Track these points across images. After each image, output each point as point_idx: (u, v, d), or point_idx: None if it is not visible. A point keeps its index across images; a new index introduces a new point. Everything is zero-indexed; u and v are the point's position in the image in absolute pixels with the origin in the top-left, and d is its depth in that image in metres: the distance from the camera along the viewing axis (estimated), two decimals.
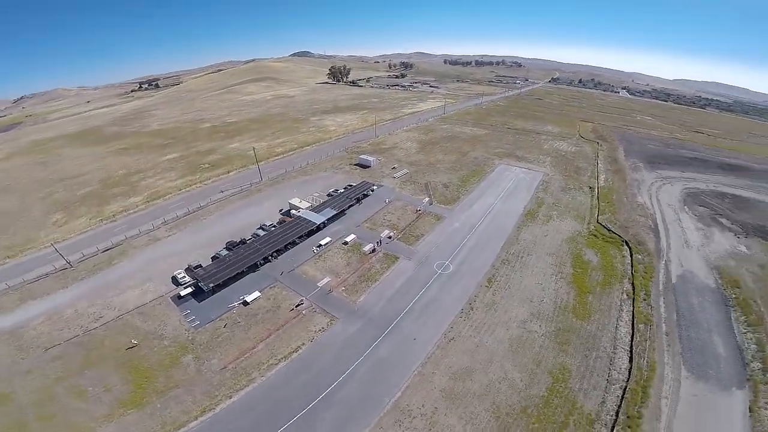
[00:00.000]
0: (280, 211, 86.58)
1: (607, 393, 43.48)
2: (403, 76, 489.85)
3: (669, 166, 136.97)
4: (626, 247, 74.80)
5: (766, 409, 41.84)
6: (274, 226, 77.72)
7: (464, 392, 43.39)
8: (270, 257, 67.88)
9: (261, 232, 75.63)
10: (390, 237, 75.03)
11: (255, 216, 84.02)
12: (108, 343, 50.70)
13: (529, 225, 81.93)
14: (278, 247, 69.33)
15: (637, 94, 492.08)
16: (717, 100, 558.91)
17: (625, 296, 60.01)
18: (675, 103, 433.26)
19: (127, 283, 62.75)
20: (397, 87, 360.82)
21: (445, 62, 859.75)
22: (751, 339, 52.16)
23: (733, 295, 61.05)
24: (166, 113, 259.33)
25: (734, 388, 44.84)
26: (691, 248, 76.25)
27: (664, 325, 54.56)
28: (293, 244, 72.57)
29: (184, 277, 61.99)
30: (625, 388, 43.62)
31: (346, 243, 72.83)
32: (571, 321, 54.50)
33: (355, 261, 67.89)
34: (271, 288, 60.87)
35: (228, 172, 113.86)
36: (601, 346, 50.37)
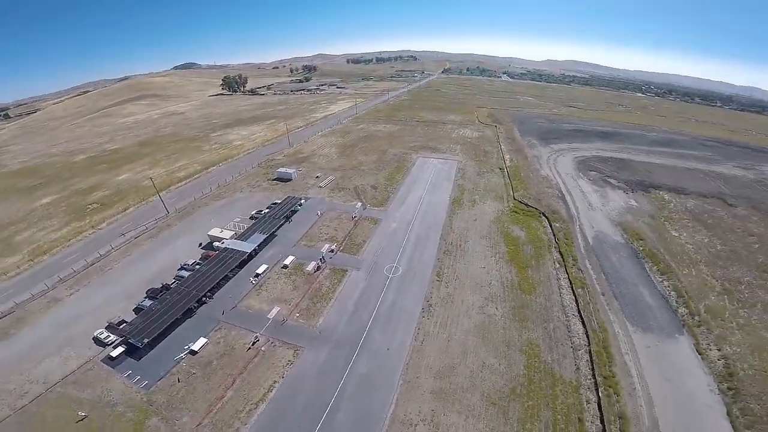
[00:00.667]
0: (201, 245, 76.06)
1: (576, 359, 46.94)
2: (307, 79, 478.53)
3: (558, 140, 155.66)
4: (544, 217, 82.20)
5: (710, 349, 48.93)
6: (199, 264, 68.14)
7: (453, 388, 43.33)
8: (204, 298, 59.39)
9: (184, 273, 65.64)
10: (332, 250, 71.14)
11: (170, 256, 72.54)
12: (51, 419, 41.18)
13: (458, 212, 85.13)
14: (210, 286, 60.88)
15: (516, 77, 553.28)
16: (577, 75, 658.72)
17: (557, 264, 65.60)
18: (546, 82, 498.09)
19: (41, 352, 51.17)
20: (303, 91, 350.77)
21: (347, 62, 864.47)
22: (668, 287, 60.93)
23: (640, 248, 71.04)
24: (26, 148, 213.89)
25: (676, 334, 51.59)
26: (595, 210, 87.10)
27: (597, 285, 60.90)
28: (226, 279, 64.47)
29: (108, 336, 52.42)
30: (590, 352, 47.42)
31: (285, 266, 66.99)
32: (521, 297, 57.81)
33: (302, 283, 62.81)
34: (216, 331, 53.35)
35: (124, 210, 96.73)
36: (554, 316, 54.23)
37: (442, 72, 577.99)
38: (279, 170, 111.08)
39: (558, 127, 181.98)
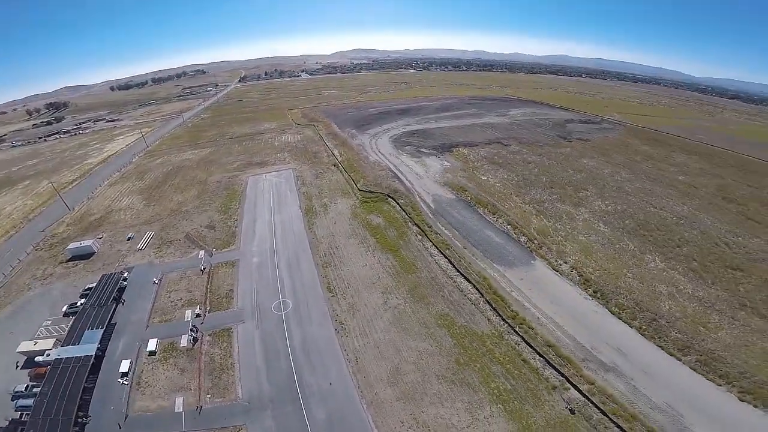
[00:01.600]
0: (18, 366, 51.57)
1: (482, 312, 53.66)
2: (58, 120, 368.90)
3: (370, 125, 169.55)
4: (390, 198, 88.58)
5: (560, 264, 63.36)
6: (36, 385, 46.80)
7: (412, 386, 43.75)
8: (81, 419, 42.15)
9: (27, 402, 44.41)
10: (199, 315, 58.31)
11: None
12: None
13: (315, 221, 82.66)
14: (76, 404, 42.64)
15: (314, 73, 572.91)
16: (364, 62, 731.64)
17: (419, 236, 72.19)
18: (341, 73, 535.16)
19: None
20: (58, 135, 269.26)
21: (112, 89, 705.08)
22: (503, 223, 75.13)
23: (468, 197, 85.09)
24: None
25: (531, 261, 64.17)
26: (423, 178, 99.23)
27: (457, 242, 69.78)
28: (87, 391, 45.89)
29: None
30: (488, 302, 54.58)
31: (153, 353, 51.79)
32: (409, 278, 61.44)
33: (187, 362, 49.68)
34: None
35: None
36: (443, 282, 59.97)
37: (240, 81, 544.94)
38: (71, 246, 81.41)
39: (366, 114, 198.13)
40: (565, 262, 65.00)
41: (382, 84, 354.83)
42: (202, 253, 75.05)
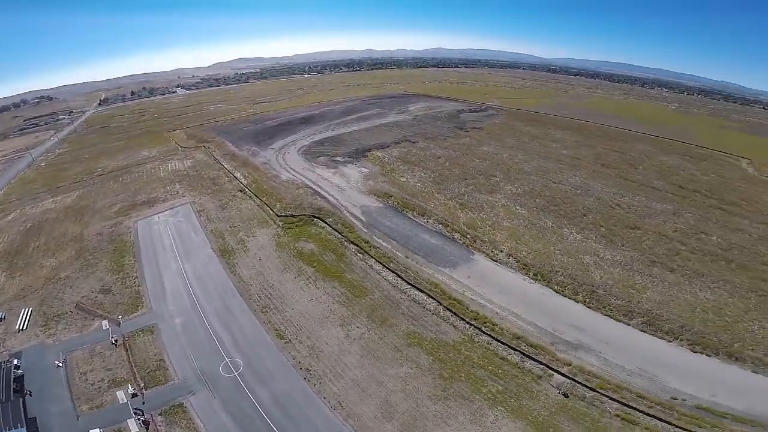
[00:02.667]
0: None
1: (445, 320, 53.44)
2: None
3: (272, 139, 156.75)
4: (316, 219, 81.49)
5: (498, 254, 65.78)
6: None
7: (410, 414, 41.38)
8: None
9: None
10: (135, 394, 45.90)
11: None
12: None
13: (236, 262, 71.36)
14: None
15: (193, 87, 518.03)
16: (249, 72, 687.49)
17: (359, 255, 67.80)
18: (226, 85, 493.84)
19: None
20: None
21: None
22: (434, 223, 75.43)
23: (396, 203, 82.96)
24: None
25: (472, 256, 65.04)
26: (346, 189, 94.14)
27: (399, 253, 67.51)
28: None
29: None
30: (447, 308, 54.36)
31: None
32: (362, 303, 57.36)
33: None
34: None
35: None
36: (397, 299, 57.65)
37: (100, 104, 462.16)
38: None
39: (265, 126, 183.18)
40: (501, 251, 67.23)
41: (276, 92, 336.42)
42: (105, 323, 59.69)
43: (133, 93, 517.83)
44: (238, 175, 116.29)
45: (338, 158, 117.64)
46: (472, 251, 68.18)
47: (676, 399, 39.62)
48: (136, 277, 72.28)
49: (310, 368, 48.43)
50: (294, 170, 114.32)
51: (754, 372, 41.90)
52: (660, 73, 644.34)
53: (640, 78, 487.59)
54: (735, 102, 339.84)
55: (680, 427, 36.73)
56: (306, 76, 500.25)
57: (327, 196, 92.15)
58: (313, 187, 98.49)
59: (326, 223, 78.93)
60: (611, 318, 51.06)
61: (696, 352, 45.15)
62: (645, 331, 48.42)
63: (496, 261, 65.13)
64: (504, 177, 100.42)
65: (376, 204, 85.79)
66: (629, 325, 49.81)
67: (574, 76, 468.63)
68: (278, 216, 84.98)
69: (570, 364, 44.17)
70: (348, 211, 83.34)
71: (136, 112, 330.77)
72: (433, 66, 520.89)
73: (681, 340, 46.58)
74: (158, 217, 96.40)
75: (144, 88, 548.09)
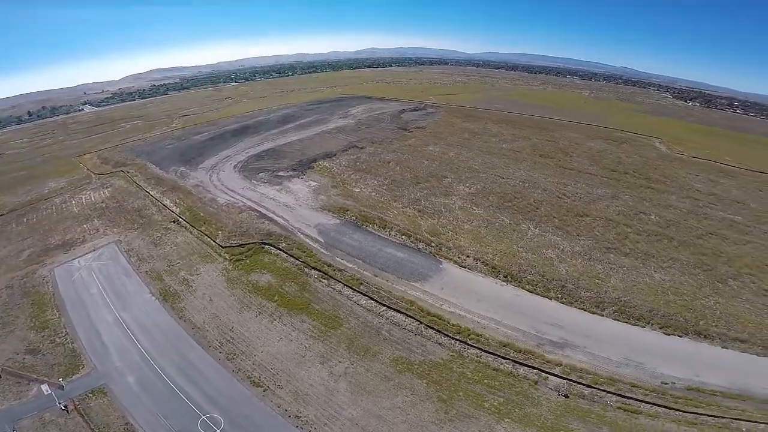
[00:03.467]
0: None
1: (429, 339, 51.26)
2: None
3: (202, 156, 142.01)
4: (266, 246, 73.93)
5: (465, 258, 64.60)
6: None
7: None
8: None
9: None
10: None
11: None
12: None
13: (182, 306, 61.51)
14: None
15: (103, 104, 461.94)
16: (168, 83, 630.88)
17: (324, 281, 62.52)
18: (141, 99, 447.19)
19: None
20: None
21: None
22: (397, 235, 72.68)
23: (354, 217, 78.49)
24: None
25: (441, 265, 64.21)
26: (296, 208, 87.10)
27: (366, 272, 63.67)
28: None
29: None
30: (427, 325, 52.36)
31: None
32: (338, 334, 52.84)
33: None
34: None
35: None
36: (375, 325, 53.94)
37: None
38: None
39: (192, 142, 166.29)
40: (468, 256, 66.08)
41: (201, 103, 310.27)
42: (45, 387, 48.09)
43: (30, 113, 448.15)
44: (167, 202, 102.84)
45: (281, 173, 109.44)
46: (439, 260, 66.15)
47: (666, 383, 41.28)
48: (66, 334, 59.78)
49: (300, 414, 43.28)
50: (232, 191, 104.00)
51: (723, 348, 44.88)
52: (569, 62, 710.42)
53: (554, 68, 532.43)
54: (634, 85, 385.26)
55: (679, 410, 38.15)
56: (233, 84, 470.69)
57: (275, 217, 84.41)
58: (258, 208, 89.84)
59: (280, 249, 71.81)
60: (585, 311, 52.02)
61: (668, 335, 47.42)
62: (618, 320, 49.95)
63: (464, 267, 63.74)
64: (455, 177, 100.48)
65: (333, 221, 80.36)
66: (603, 315, 51.06)
67: (496, 69, 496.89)
68: (222, 247, 75.77)
69: (561, 364, 44.13)
70: (302, 233, 76.79)
71: (37, 134, 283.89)
72: (368, 66, 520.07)
73: (652, 324, 48.64)
74: (79, 262, 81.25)
75: (44, 107, 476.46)
